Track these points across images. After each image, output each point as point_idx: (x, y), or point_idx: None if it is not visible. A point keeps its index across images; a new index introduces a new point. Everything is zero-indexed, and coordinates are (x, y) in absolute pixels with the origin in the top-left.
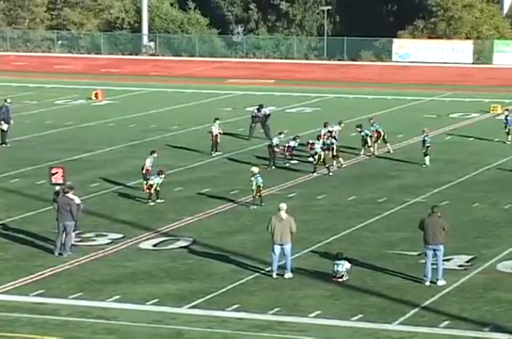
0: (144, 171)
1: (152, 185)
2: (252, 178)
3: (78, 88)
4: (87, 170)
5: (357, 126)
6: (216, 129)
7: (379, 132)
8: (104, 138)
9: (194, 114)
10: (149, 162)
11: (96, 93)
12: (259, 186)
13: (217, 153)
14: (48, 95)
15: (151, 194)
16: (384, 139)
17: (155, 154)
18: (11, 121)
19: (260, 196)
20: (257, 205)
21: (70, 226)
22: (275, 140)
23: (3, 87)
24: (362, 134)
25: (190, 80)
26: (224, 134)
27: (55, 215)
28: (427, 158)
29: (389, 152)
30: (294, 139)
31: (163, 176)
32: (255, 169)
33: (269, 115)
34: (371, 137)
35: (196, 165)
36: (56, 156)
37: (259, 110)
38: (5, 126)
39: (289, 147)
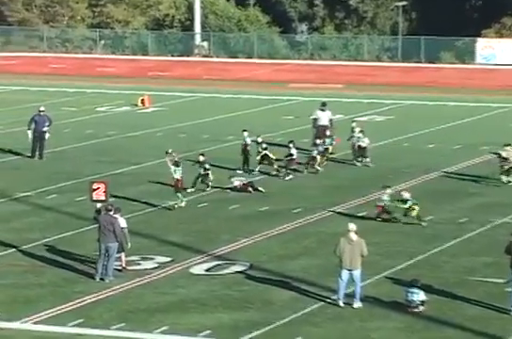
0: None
1: (179, 180)
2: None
3: (122, 94)
4: (131, 185)
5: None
6: (249, 141)
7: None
8: (152, 150)
9: (252, 123)
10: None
11: (142, 99)
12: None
13: (254, 170)
14: (89, 101)
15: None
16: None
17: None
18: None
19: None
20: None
21: (112, 248)
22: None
23: (39, 92)
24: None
25: (248, 84)
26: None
27: (96, 235)
28: None
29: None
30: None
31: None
32: (405, 195)
33: (331, 120)
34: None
35: (254, 179)
36: (97, 170)
37: (323, 109)
38: (46, 135)
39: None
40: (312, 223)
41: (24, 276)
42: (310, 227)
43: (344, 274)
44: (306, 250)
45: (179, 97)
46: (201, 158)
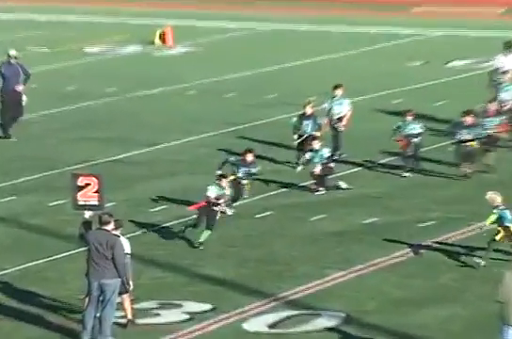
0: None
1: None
2: (495, 211)
3: (129, 25)
4: (142, 181)
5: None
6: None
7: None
8: (178, 119)
9: (349, 74)
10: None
11: (163, 33)
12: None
13: (340, 156)
14: (72, 37)
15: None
16: None
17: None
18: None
19: None
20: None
21: (112, 287)
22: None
23: None
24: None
25: (340, 7)
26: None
27: (83, 265)
28: None
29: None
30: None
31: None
32: (497, 199)
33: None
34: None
35: (351, 171)
36: (85, 153)
37: (508, 53)
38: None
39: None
40: (452, 246)
41: None
42: (447, 253)
43: (510, 333)
44: (441, 292)
45: (223, 30)
46: (250, 158)
